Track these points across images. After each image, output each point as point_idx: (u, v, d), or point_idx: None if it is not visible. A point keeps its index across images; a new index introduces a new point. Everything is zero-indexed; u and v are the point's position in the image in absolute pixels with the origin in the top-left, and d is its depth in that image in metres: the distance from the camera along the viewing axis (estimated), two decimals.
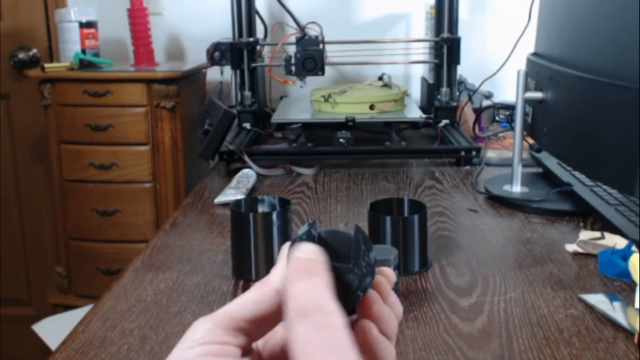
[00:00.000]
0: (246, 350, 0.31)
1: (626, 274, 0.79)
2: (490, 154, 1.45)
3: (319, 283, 0.28)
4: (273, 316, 0.31)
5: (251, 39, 1.62)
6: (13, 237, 2.33)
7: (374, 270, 0.32)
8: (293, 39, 1.52)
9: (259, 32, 1.77)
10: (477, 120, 1.62)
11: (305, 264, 0.29)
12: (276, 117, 1.56)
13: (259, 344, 0.34)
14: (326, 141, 1.44)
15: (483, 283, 0.81)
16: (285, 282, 0.29)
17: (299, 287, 0.28)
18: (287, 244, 0.33)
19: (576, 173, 1.15)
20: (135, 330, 0.71)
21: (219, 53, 1.59)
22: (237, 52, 1.59)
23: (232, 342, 0.30)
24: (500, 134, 1.65)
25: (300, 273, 0.28)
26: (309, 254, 0.29)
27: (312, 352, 0.25)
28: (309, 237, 0.32)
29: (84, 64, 1.92)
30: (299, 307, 0.27)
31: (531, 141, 1.19)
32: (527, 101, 1.12)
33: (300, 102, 1.76)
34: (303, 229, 0.32)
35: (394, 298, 0.34)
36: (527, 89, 1.11)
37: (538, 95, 1.09)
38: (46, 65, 1.87)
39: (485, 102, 1.75)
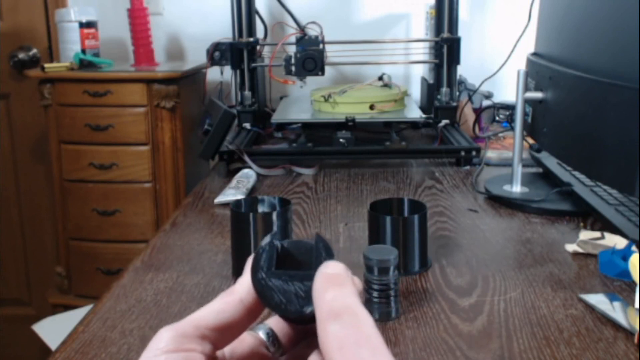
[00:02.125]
0: (210, 358, 0.32)
1: (626, 274, 0.79)
2: (490, 154, 1.45)
3: (348, 291, 0.29)
4: (237, 324, 0.32)
5: (251, 39, 1.62)
6: (13, 237, 2.33)
7: None
8: (293, 39, 1.52)
9: (259, 32, 1.77)
10: (477, 120, 1.62)
11: (334, 277, 0.30)
12: (276, 117, 1.56)
13: (225, 352, 0.34)
14: (326, 141, 1.44)
15: (483, 283, 0.81)
16: (314, 294, 0.30)
17: (329, 294, 0.29)
18: (251, 257, 0.34)
19: (576, 173, 1.15)
20: (135, 330, 0.71)
21: (219, 53, 1.59)
22: (237, 52, 1.59)
23: (197, 350, 0.31)
24: (500, 134, 1.65)
25: (330, 284, 0.30)
26: (336, 269, 0.31)
27: (344, 346, 0.26)
28: (272, 247, 0.34)
29: (84, 64, 1.92)
30: (330, 310, 0.28)
31: (531, 141, 1.19)
32: (527, 101, 1.12)
33: (300, 102, 1.76)
34: (265, 240, 0.34)
35: None
36: (527, 89, 1.11)
37: (538, 95, 1.09)
38: (46, 65, 1.87)
39: (485, 102, 1.75)
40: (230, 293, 0.33)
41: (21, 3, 2.18)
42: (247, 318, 0.33)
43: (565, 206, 1.07)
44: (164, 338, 0.31)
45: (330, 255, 0.33)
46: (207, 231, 1.02)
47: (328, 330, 0.27)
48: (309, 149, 1.41)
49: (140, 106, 1.84)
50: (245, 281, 0.33)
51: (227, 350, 0.34)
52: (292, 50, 1.51)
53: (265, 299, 0.33)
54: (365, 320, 0.27)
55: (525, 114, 1.13)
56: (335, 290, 0.29)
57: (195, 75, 1.98)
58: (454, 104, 1.60)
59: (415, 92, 2.00)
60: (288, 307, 0.32)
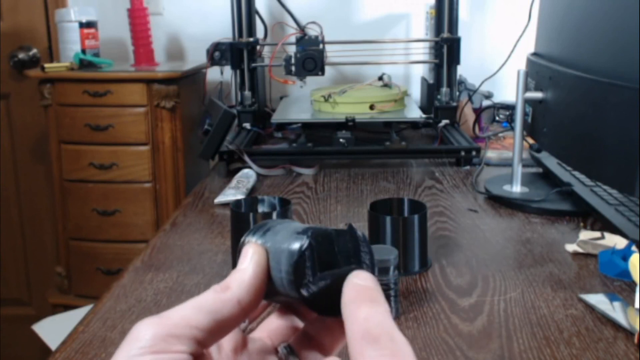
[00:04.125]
0: (197, 357, 0.29)
1: (626, 274, 0.79)
2: (490, 154, 1.45)
3: (382, 310, 0.28)
4: (230, 325, 0.30)
5: (251, 39, 1.62)
6: (13, 237, 2.33)
7: (375, 266, 0.32)
8: (293, 39, 1.52)
9: (259, 32, 1.77)
10: (477, 120, 1.62)
11: (365, 290, 0.29)
12: (276, 117, 1.56)
13: (228, 346, 0.33)
14: (326, 141, 1.44)
15: (483, 283, 0.81)
16: (344, 306, 0.29)
17: (364, 311, 0.28)
18: (250, 247, 0.32)
19: (576, 173, 1.15)
20: None
21: (219, 53, 1.59)
22: (237, 52, 1.59)
23: (186, 351, 0.28)
24: (500, 134, 1.65)
25: (362, 298, 0.28)
26: (367, 280, 0.29)
27: None
28: (312, 251, 0.31)
29: (84, 64, 1.92)
30: (367, 331, 0.27)
31: (531, 141, 1.19)
32: (527, 101, 1.12)
33: (300, 102, 1.76)
34: (302, 242, 0.31)
35: None
36: (527, 89, 1.11)
37: (538, 95, 1.09)
38: (46, 65, 1.87)
39: (485, 102, 1.75)
40: (225, 289, 0.31)
41: (21, 3, 2.18)
42: (242, 318, 0.31)
43: (565, 206, 1.07)
44: (149, 335, 0.28)
45: (368, 245, 0.32)
46: (207, 231, 1.02)
47: (365, 355, 0.26)
48: (309, 149, 1.41)
49: (140, 106, 1.83)
50: (241, 277, 0.31)
51: (214, 348, 0.32)
52: (292, 50, 1.51)
53: (316, 307, 0.31)
54: (404, 348, 0.26)
55: (525, 114, 1.13)
56: (369, 308, 0.28)
57: (195, 75, 1.98)
58: (454, 104, 1.60)
59: (415, 92, 2.00)
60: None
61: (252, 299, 0.31)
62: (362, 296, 0.28)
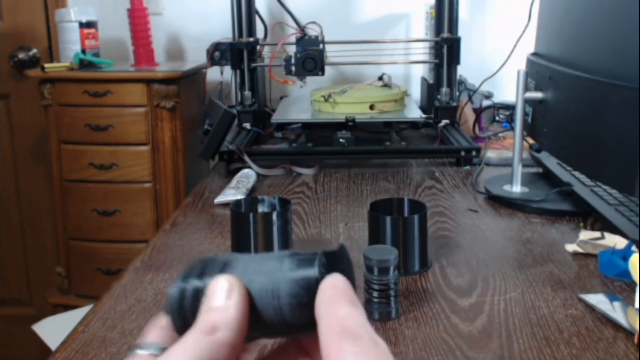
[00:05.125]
0: None
1: (626, 274, 0.79)
2: (490, 154, 1.45)
3: (362, 313, 0.28)
4: None
5: (251, 39, 1.62)
6: (13, 237, 2.33)
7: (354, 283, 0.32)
8: (293, 39, 1.52)
9: (259, 32, 1.77)
10: (477, 120, 1.62)
11: (345, 292, 0.28)
12: (276, 117, 1.56)
13: None
14: (326, 141, 1.44)
15: (483, 283, 0.81)
16: (321, 304, 0.28)
17: (343, 309, 0.27)
18: (225, 281, 0.31)
19: (576, 173, 1.15)
20: (135, 330, 0.71)
21: (219, 53, 1.59)
22: (237, 52, 1.59)
23: None
24: (500, 134, 1.65)
25: (341, 298, 0.28)
26: (345, 285, 0.29)
27: None
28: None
29: (84, 64, 1.92)
30: (347, 327, 0.26)
31: (531, 141, 1.19)
32: (527, 101, 1.12)
33: (300, 102, 1.76)
34: (315, 265, 0.30)
35: None
36: (527, 89, 1.11)
37: (538, 95, 1.09)
38: (46, 65, 1.87)
39: (485, 102, 1.75)
40: (213, 330, 0.28)
41: (21, 3, 2.18)
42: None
43: (565, 206, 1.07)
44: None
45: (350, 263, 0.32)
46: (207, 231, 1.02)
47: (344, 349, 0.25)
48: (309, 149, 1.41)
49: (140, 106, 1.83)
50: (227, 315, 0.29)
51: None
52: (292, 50, 1.51)
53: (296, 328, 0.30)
54: (385, 350, 0.26)
55: (525, 114, 1.13)
56: (349, 308, 0.27)
57: (195, 75, 1.98)
58: (454, 104, 1.60)
59: (415, 92, 2.00)
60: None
61: (242, 338, 0.29)
62: (340, 296, 0.28)
